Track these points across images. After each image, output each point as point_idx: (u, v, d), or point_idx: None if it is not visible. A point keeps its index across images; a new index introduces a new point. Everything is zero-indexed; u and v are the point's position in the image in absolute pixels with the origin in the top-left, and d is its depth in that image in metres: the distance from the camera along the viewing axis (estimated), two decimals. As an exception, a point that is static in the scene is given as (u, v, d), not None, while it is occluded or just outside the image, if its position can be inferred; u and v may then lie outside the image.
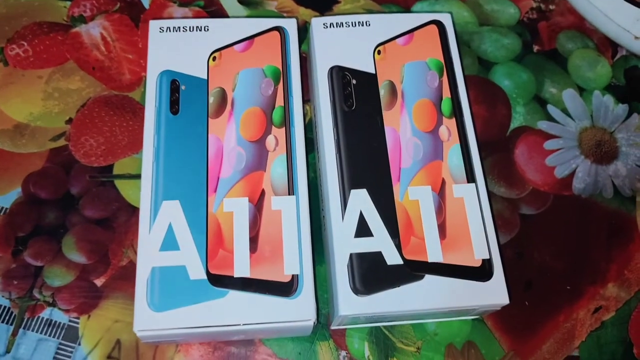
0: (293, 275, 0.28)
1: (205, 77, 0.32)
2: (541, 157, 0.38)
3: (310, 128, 0.36)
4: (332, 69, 0.33)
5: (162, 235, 0.28)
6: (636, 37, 0.37)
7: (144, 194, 0.29)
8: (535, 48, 0.41)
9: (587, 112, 0.39)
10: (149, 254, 0.28)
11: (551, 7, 0.42)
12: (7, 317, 0.32)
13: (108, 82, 0.38)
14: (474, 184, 0.31)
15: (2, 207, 0.34)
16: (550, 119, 0.39)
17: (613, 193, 0.37)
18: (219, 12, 0.40)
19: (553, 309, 0.34)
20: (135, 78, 0.38)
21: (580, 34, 0.41)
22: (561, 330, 0.34)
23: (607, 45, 0.41)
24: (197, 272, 0.28)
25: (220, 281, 0.28)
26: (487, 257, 0.29)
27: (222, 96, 0.31)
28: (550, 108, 0.39)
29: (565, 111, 0.39)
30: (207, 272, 0.28)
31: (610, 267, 0.35)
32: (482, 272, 0.29)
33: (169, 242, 0.28)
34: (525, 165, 0.37)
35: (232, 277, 0.28)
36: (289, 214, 0.29)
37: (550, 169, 0.37)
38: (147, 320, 0.27)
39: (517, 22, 0.41)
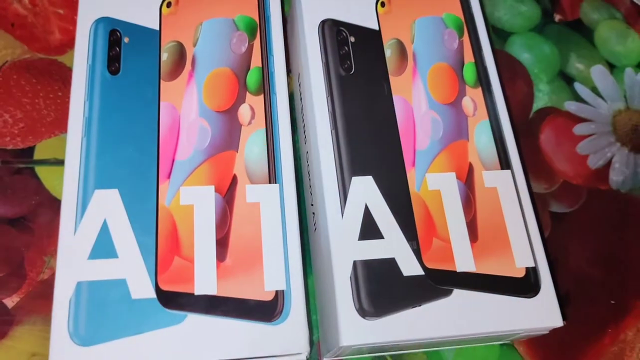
0: (277, 292, 0.20)
1: (157, 28, 0.24)
2: (571, 143, 0.31)
3: (292, 106, 0.29)
4: (323, 22, 0.25)
5: (92, 237, 0.20)
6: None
7: (67, 181, 0.21)
8: (557, 17, 0.34)
9: (619, 91, 0.33)
10: (73, 264, 0.20)
11: (572, -29, 0.36)
12: None
13: (31, 43, 0.29)
14: (509, 171, 0.24)
15: None
16: (579, 99, 0.32)
17: (656, 187, 0.31)
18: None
19: (595, 329, 0.27)
20: (67, 38, 0.30)
21: (606, 3, 0.35)
22: (607, 355, 0.27)
23: (635, 17, 0.35)
24: (141, 288, 0.20)
25: (176, 301, 0.20)
26: (532, 264, 0.22)
27: (180, 53, 0.24)
28: (578, 86, 0.33)
29: (595, 90, 0.33)
30: (157, 289, 0.20)
31: (658, 277, 0.29)
32: (527, 285, 0.22)
33: (103, 247, 0.20)
34: (554, 153, 0.31)
35: (192, 295, 0.20)
36: (270, 207, 0.21)
37: (583, 157, 0.31)
38: (69, 358, 0.19)
39: (534, -14, 0.35)
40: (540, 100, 0.32)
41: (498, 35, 0.33)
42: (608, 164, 0.31)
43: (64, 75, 0.29)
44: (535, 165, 0.30)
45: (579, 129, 0.32)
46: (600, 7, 0.35)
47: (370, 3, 0.26)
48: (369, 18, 0.26)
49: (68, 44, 0.30)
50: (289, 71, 0.29)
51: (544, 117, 0.32)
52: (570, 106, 0.32)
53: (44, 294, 0.25)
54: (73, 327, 0.19)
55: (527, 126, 0.31)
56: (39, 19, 0.30)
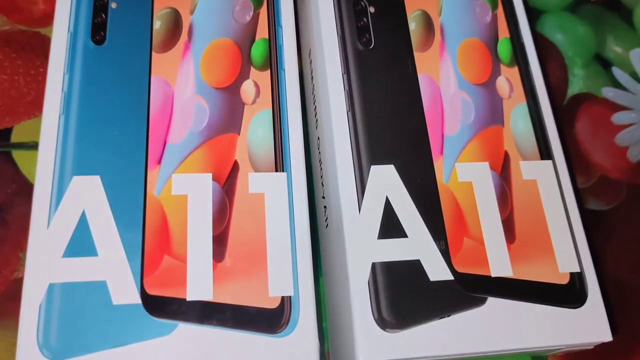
0: (283, 299, 0.17)
1: (150, -7, 0.21)
2: (610, 133, 0.28)
3: (302, 85, 0.26)
4: (339, -9, 0.22)
5: (68, 232, 0.17)
6: None
7: (41, 165, 0.18)
8: (593, -5, 0.31)
9: (662, 78, 0.30)
10: (44, 262, 0.17)
11: (609, -54, 0.33)
12: None
13: (11, 14, 0.26)
14: (550, 162, 0.21)
15: None
16: (617, 85, 0.29)
17: (703, 183, 0.28)
18: None
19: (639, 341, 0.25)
20: (52, 9, 0.26)
21: (646, -19, 0.32)
22: (652, 372, 0.24)
23: (678, -3, 0.32)
24: (125, 292, 0.17)
25: (165, 308, 0.17)
26: (578, 269, 0.19)
27: (175, 21, 0.21)
28: (616, 71, 0.30)
29: (634, 76, 0.30)
30: (143, 293, 0.17)
31: None
32: (571, 293, 0.19)
33: (80, 243, 0.17)
34: (590, 144, 0.28)
35: (184, 301, 0.17)
36: (276, 200, 0.18)
37: (622, 150, 0.28)
38: (35, 375, 0.16)
39: (567, -38, 0.32)
40: (575, 85, 0.29)
41: (529, 14, 0.30)
42: (650, 157, 0.28)
43: (47, 50, 0.26)
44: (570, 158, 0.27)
45: (617, 118, 0.28)
46: (640, -15, 0.32)
47: (391, -30, 0.23)
48: (390, -13, 0.23)
49: (52, 14, 0.26)
50: (298, 47, 0.26)
51: (579, 104, 0.29)
52: (608, 92, 0.29)
53: (19, 294, 0.22)
54: (43, 337, 0.16)
55: (561, 113, 0.28)
56: (20, -13, 0.27)
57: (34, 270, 0.17)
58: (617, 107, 0.29)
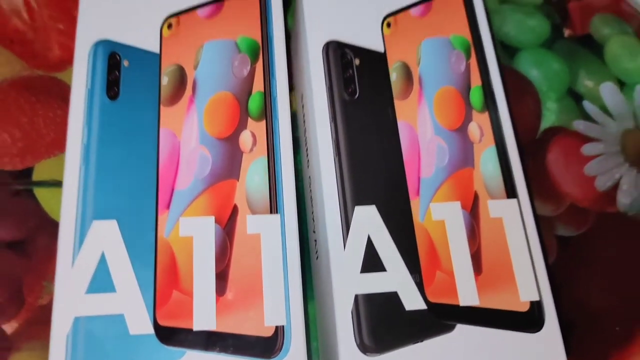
0: (277, 328, 0.20)
1: (157, 51, 0.23)
2: (579, 164, 0.30)
3: (295, 123, 0.28)
4: (327, 44, 0.25)
5: (90, 271, 0.20)
6: (695, 19, 0.30)
7: (65, 210, 0.21)
8: (567, 32, 0.34)
9: (629, 110, 0.32)
10: (70, 298, 0.20)
11: (582, -16, 0.35)
12: None
13: (30, 59, 0.29)
14: (515, 200, 0.23)
15: None
16: (588, 118, 0.32)
17: (665, 210, 0.30)
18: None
19: (601, 357, 0.27)
20: (67, 55, 0.29)
21: (617, 17, 0.35)
22: (612, 384, 0.27)
23: (647, 32, 0.34)
24: (140, 324, 0.19)
25: (174, 337, 0.19)
26: (537, 298, 0.22)
27: (180, 77, 0.23)
28: (587, 105, 0.32)
29: (604, 109, 0.32)
30: (155, 324, 0.20)
31: (666, 302, 0.28)
32: (531, 319, 0.22)
33: (100, 281, 0.20)
34: (561, 174, 0.30)
35: (191, 331, 0.20)
36: (271, 239, 0.21)
37: (590, 179, 0.30)
38: (64, 397, 0.18)
39: (543, 0, 0.34)
40: (548, 119, 0.32)
41: (506, 51, 0.33)
42: (616, 185, 0.30)
43: (63, 93, 0.28)
44: (541, 188, 0.30)
45: (587, 149, 0.31)
46: (612, 21, 0.34)
47: (376, 23, 0.25)
48: (374, 39, 0.25)
49: (68, 60, 0.29)
50: (292, 88, 0.29)
51: (551, 136, 0.31)
52: (579, 125, 0.31)
53: (43, 319, 0.24)
54: (70, 363, 0.19)
55: (534, 146, 0.31)
56: (38, 35, 0.29)
57: (62, 305, 0.19)
58: (587, 139, 0.31)
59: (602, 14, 0.35)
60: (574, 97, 0.32)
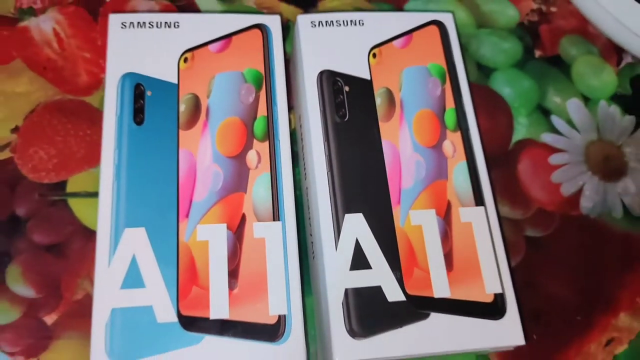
0: (280, 316, 0.24)
1: (175, 82, 0.27)
2: (546, 173, 0.34)
3: (294, 140, 0.32)
4: (321, 74, 0.29)
5: (124, 270, 0.24)
6: (649, 44, 0.34)
7: (101, 220, 0.25)
8: (537, 53, 0.38)
9: (593, 123, 0.36)
10: (108, 293, 0.24)
11: (552, 9, 0.39)
12: None
13: (61, 85, 0.33)
14: (482, 207, 0.27)
15: None
16: (555, 131, 0.36)
17: (623, 213, 0.34)
18: (190, 7, 0.36)
19: (563, 343, 0.31)
20: (93, 80, 0.33)
21: (584, 39, 0.38)
22: (572, 366, 0.31)
23: (611, 52, 0.38)
24: (166, 313, 0.23)
25: (194, 324, 0.23)
26: (500, 291, 0.26)
27: (195, 104, 0.27)
28: (555, 119, 0.36)
29: (570, 123, 0.36)
30: (178, 314, 0.24)
31: (621, 295, 0.32)
32: (494, 309, 0.26)
33: (132, 278, 0.24)
34: (530, 182, 0.34)
35: (208, 319, 0.24)
36: (274, 243, 0.25)
37: (556, 186, 0.34)
38: (105, 374, 0.22)
39: (516, 24, 0.38)
40: (519, 132, 0.35)
41: (482, 71, 0.37)
42: (579, 191, 0.34)
43: (91, 115, 0.32)
44: (512, 194, 0.34)
45: (554, 159, 0.35)
46: (579, 42, 0.38)
47: (363, 54, 0.29)
48: (362, 68, 0.29)
49: (94, 85, 0.33)
50: (291, 108, 0.33)
51: (522, 148, 0.35)
52: (547, 138, 0.35)
53: (78, 312, 0.28)
54: (109, 346, 0.23)
55: (506, 157, 0.35)
56: (67, 63, 0.33)
57: (101, 298, 0.23)
58: (554, 150, 0.35)
59: (570, 36, 0.38)
60: (543, 112, 0.36)
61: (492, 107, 0.36)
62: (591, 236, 0.33)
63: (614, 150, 0.35)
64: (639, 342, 0.31)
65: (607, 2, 0.34)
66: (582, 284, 0.32)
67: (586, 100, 0.37)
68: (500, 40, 0.37)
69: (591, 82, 0.37)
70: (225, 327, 0.24)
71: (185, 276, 0.24)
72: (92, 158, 0.31)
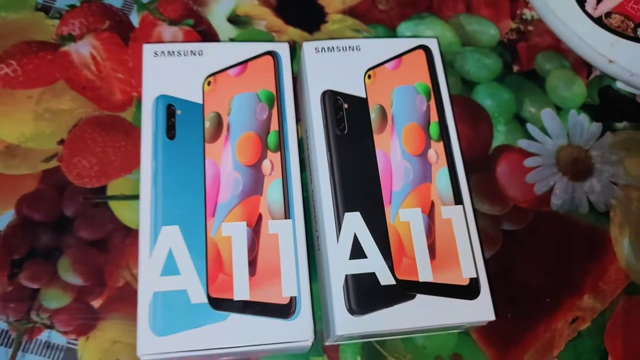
0: (291, 297, 0.29)
1: (201, 102, 0.32)
2: (521, 174, 0.39)
3: (301, 148, 0.37)
4: (324, 93, 0.34)
5: (162, 260, 0.29)
6: (610, 61, 0.39)
7: (143, 219, 0.30)
8: (515, 68, 0.42)
9: (564, 130, 0.41)
10: (150, 279, 0.29)
11: (530, 28, 0.44)
12: (5, 340, 0.32)
13: (99, 102, 0.38)
14: (461, 206, 0.32)
15: (-4, 230, 0.34)
16: (530, 137, 0.41)
17: (588, 209, 0.39)
18: (209, 31, 0.41)
19: (534, 321, 0.36)
20: (126, 98, 0.38)
21: (557, 54, 0.43)
22: (541, 340, 0.36)
23: (582, 66, 0.43)
24: (198, 296, 0.29)
25: (221, 304, 0.29)
26: (475, 276, 0.31)
27: (218, 121, 0.32)
28: (530, 127, 0.41)
29: (543, 130, 0.41)
30: (208, 296, 0.29)
31: (586, 280, 0.37)
32: (470, 291, 0.31)
33: (170, 267, 0.29)
34: (507, 182, 0.39)
35: (232, 300, 0.29)
36: (285, 237, 0.30)
37: (530, 186, 0.39)
38: (151, 344, 0.28)
39: (497, 42, 0.43)
40: (498, 139, 0.40)
41: (466, 85, 0.41)
42: (550, 190, 0.39)
43: (126, 128, 0.37)
44: (491, 193, 0.39)
45: (528, 162, 0.40)
46: (552, 58, 0.43)
47: (359, 75, 0.34)
48: (359, 87, 0.34)
49: (127, 102, 0.38)
50: (298, 120, 0.38)
51: (500, 153, 0.40)
52: (522, 143, 0.40)
53: (120, 297, 0.34)
54: (152, 322, 0.28)
55: (486, 161, 0.40)
56: (104, 83, 0.38)
57: (145, 284, 0.29)
58: (529, 154, 0.40)
59: (545, 52, 0.43)
60: (520, 121, 0.41)
61: (474, 117, 0.41)
62: (560, 229, 0.38)
63: (582, 154, 0.40)
64: (600, 320, 0.36)
65: (574, 24, 0.39)
66: (552, 271, 0.37)
67: (558, 109, 0.42)
68: (482, 57, 0.42)
69: (563, 94, 0.42)
70: (246, 307, 0.29)
71: (213, 265, 0.29)
72: (128, 166, 0.36)
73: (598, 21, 0.39)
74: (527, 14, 0.44)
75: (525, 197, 0.39)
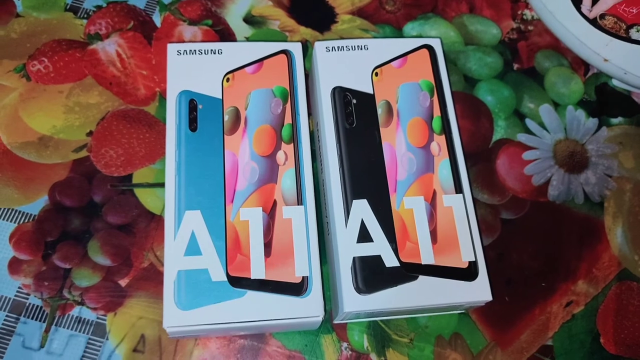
0: (303, 277, 0.32)
1: (220, 97, 0.35)
2: (520, 166, 0.42)
3: (312, 140, 0.40)
4: (334, 89, 0.36)
5: (185, 242, 0.32)
6: (605, 60, 0.41)
7: (168, 205, 0.32)
8: (516, 66, 0.45)
9: (561, 125, 0.43)
10: (174, 259, 0.31)
11: (529, 27, 0.46)
12: (40, 315, 0.35)
13: (125, 97, 0.41)
14: (461, 195, 0.34)
15: (31, 214, 0.37)
16: (529, 131, 0.43)
17: (584, 199, 0.41)
18: (226, 31, 0.43)
19: (530, 304, 0.38)
20: (150, 93, 0.41)
21: (556, 53, 0.45)
22: (537, 322, 0.38)
23: (579, 64, 0.45)
24: (218, 274, 0.31)
25: (239, 282, 0.31)
26: (473, 259, 0.33)
27: (236, 115, 0.35)
28: (529, 122, 0.43)
29: (542, 125, 0.43)
30: (227, 275, 0.31)
31: (580, 266, 0.39)
32: (469, 273, 0.33)
33: (193, 248, 0.32)
34: (506, 174, 0.41)
35: (249, 278, 0.31)
36: (298, 222, 0.33)
37: (528, 177, 0.41)
38: (176, 317, 0.30)
39: (499, 41, 0.45)
40: (499, 133, 0.43)
41: (468, 82, 0.44)
42: (548, 181, 0.41)
43: (149, 121, 0.40)
44: (491, 183, 0.41)
45: (527, 155, 0.42)
46: (551, 56, 0.45)
47: (367, 73, 0.37)
48: (366, 84, 0.37)
49: (151, 97, 0.41)
50: (310, 114, 0.40)
51: (500, 146, 0.42)
52: (521, 137, 0.43)
53: (145, 276, 0.36)
54: (177, 298, 0.31)
55: (487, 154, 0.42)
56: (129, 79, 0.41)
57: (169, 263, 0.31)
58: (527, 148, 0.42)
59: (544, 50, 0.45)
60: (519, 116, 0.43)
61: (476, 112, 0.43)
62: (556, 218, 0.41)
63: (578, 148, 0.43)
64: (593, 304, 0.39)
65: (570, 25, 0.41)
66: (548, 257, 0.40)
67: (556, 105, 0.44)
68: (484, 56, 0.45)
69: (561, 90, 0.44)
70: (262, 285, 0.31)
71: (232, 247, 0.32)
72: (151, 156, 0.39)
73: (593, 22, 0.41)
74: (528, 14, 0.46)
75: (523, 187, 0.41)
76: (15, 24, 0.42)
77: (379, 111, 0.36)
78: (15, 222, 0.37)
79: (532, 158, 0.42)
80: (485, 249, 0.34)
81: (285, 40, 0.43)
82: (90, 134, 0.39)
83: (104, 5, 0.43)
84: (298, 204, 0.33)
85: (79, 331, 0.35)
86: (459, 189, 0.35)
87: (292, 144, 0.34)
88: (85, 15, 0.43)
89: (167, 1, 0.44)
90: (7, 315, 0.35)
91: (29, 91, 0.40)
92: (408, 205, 0.34)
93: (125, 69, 0.41)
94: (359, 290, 0.32)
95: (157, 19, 0.43)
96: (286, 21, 0.44)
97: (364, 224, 0.33)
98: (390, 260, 0.33)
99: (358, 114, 0.36)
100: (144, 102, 0.41)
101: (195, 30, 0.43)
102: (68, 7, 0.43)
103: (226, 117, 0.35)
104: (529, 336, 0.38)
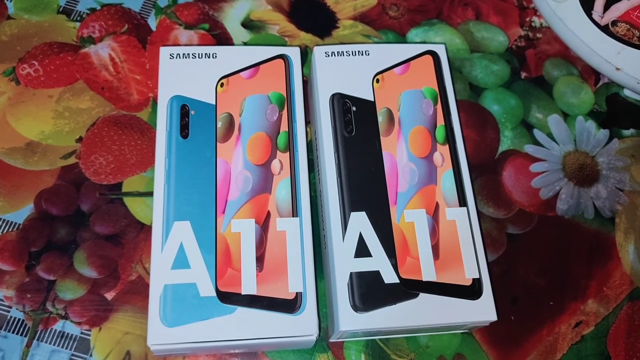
0: (297, 293, 0.30)
1: (214, 103, 0.34)
2: (527, 179, 0.40)
3: (310, 149, 0.38)
4: (333, 96, 0.35)
5: (173, 254, 0.30)
6: (617, 68, 0.39)
7: (156, 215, 0.31)
8: (523, 75, 0.43)
9: (570, 136, 0.41)
10: (161, 272, 0.30)
11: (538, 35, 0.45)
12: (21, 329, 0.33)
13: (117, 102, 0.39)
14: (465, 208, 0.33)
15: (15, 223, 0.36)
16: (536, 143, 0.41)
17: (594, 214, 0.39)
18: (223, 35, 0.42)
19: (537, 324, 0.36)
20: (143, 98, 0.39)
21: (565, 61, 0.44)
22: (544, 343, 0.36)
23: (590, 73, 0.44)
24: (207, 289, 0.30)
25: (229, 298, 0.30)
26: (477, 276, 0.31)
27: (230, 121, 0.33)
28: (537, 132, 0.41)
29: (550, 135, 0.41)
30: (217, 290, 0.30)
31: (590, 284, 0.38)
32: (472, 291, 0.31)
33: (181, 261, 0.30)
34: (512, 186, 0.40)
35: (240, 294, 0.30)
36: (293, 235, 0.31)
37: (536, 190, 0.40)
38: (160, 335, 0.29)
39: (506, 49, 0.44)
40: (505, 143, 0.41)
41: (474, 91, 0.42)
42: (556, 195, 0.40)
43: (142, 128, 0.39)
44: (497, 196, 0.39)
45: (534, 167, 0.40)
46: (561, 64, 0.44)
47: (368, 79, 0.35)
48: (367, 91, 0.35)
49: (144, 103, 0.39)
50: (308, 122, 0.39)
51: (507, 157, 0.41)
52: (529, 149, 0.41)
53: (133, 290, 0.35)
54: (162, 314, 0.29)
55: (493, 165, 0.40)
56: (121, 84, 0.40)
57: (156, 276, 0.30)
58: (535, 159, 0.41)
59: (553, 59, 0.44)
60: (526, 126, 0.41)
61: (482, 122, 0.41)
62: (565, 234, 0.39)
63: (588, 160, 0.41)
64: (604, 325, 0.37)
65: (581, 32, 0.39)
66: (556, 275, 0.38)
67: (565, 116, 0.42)
68: (490, 63, 0.43)
69: (570, 100, 0.43)
70: (253, 301, 0.30)
71: (222, 260, 0.30)
72: (143, 164, 0.38)
73: (605, 29, 0.39)
74: (536, 21, 0.45)
75: (530, 201, 0.39)
76: (6, 26, 0.41)
77: (380, 119, 0.34)
78: (-1, 231, 0.35)
79: (540, 170, 0.40)
80: (490, 265, 0.32)
81: (285, 45, 0.41)
82: (79, 140, 0.38)
83: (98, 7, 0.42)
84: (293, 216, 0.31)
85: (62, 347, 0.33)
86: (462, 201, 0.33)
87: (288, 153, 0.33)
88: (79, 18, 0.42)
89: (163, 4, 0.42)
90: (-13, 329, 0.33)
91: (18, 95, 0.39)
92: (409, 218, 0.32)
93: (118, 74, 0.40)
94: (356, 308, 0.30)
95: (153, 23, 0.42)
96: (286, 26, 0.43)
97: (362, 237, 0.31)
98: (390, 277, 0.31)
99: (357, 122, 0.34)
100: (136, 107, 0.39)
101: (191, 35, 0.41)
102: (61, 9, 0.42)
103: (219, 124, 0.33)
104: (536, 358, 0.36)
